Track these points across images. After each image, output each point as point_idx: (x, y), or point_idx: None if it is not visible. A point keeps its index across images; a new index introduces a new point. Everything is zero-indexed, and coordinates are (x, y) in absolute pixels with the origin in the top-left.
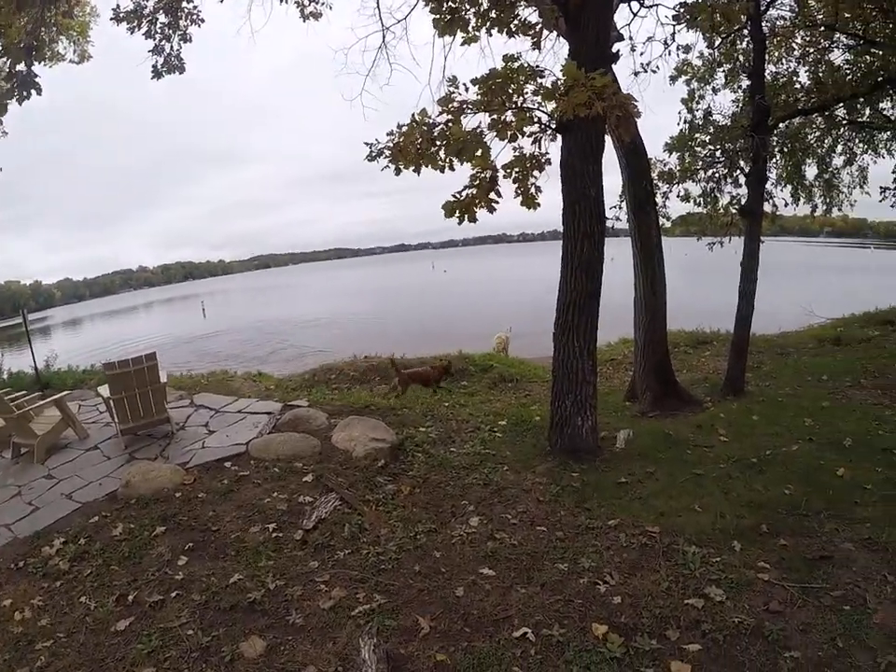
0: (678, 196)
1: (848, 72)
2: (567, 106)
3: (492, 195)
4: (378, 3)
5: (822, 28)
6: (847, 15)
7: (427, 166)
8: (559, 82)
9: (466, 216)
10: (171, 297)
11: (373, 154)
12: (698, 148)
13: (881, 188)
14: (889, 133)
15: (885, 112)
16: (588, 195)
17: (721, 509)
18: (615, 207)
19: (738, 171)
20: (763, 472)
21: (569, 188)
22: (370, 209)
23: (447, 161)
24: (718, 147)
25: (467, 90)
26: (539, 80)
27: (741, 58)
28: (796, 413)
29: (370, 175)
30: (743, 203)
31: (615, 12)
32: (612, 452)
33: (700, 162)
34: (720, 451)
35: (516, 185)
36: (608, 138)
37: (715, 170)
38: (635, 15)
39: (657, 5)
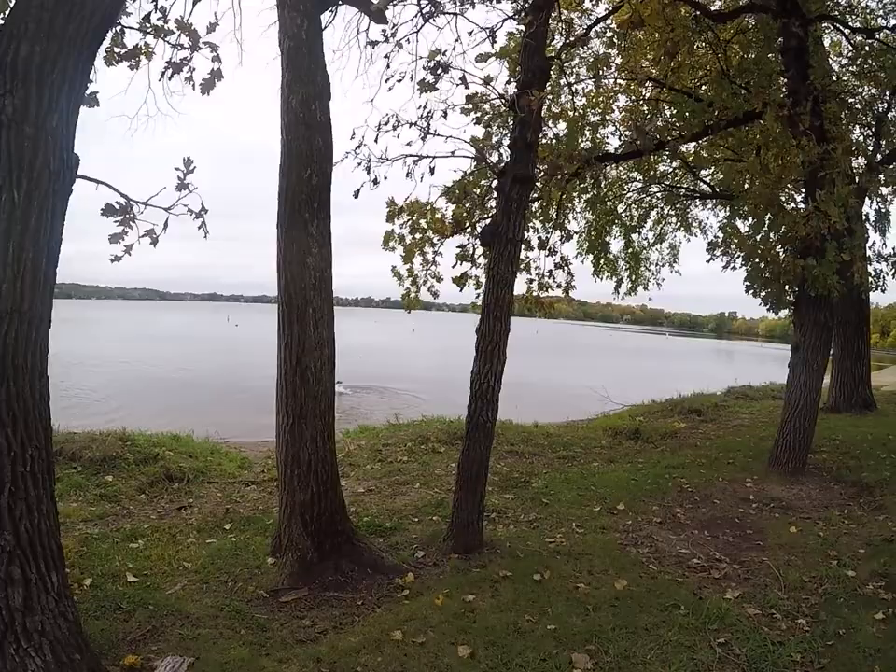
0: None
1: (674, 118)
2: None
3: None
4: None
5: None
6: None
7: None
8: None
9: None
10: None
11: None
12: (476, 190)
13: (709, 243)
14: (709, 207)
15: (706, 181)
16: None
17: None
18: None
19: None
20: None
21: None
22: (184, 252)
23: None
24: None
25: None
26: None
27: None
28: (560, 625)
29: (188, 218)
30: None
31: None
32: None
33: (478, 211)
34: None
35: None
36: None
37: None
38: None
39: None
